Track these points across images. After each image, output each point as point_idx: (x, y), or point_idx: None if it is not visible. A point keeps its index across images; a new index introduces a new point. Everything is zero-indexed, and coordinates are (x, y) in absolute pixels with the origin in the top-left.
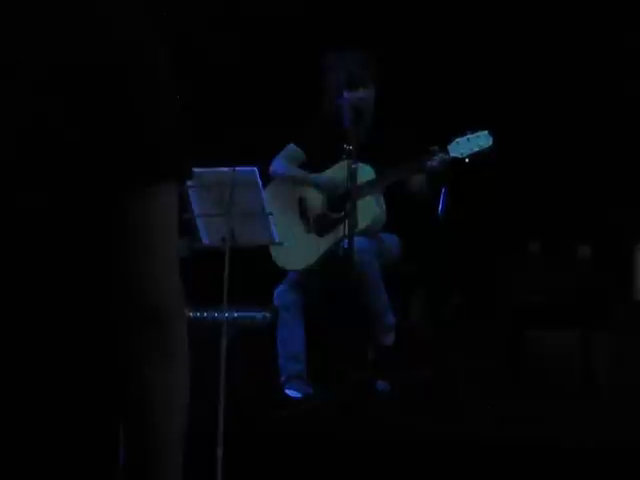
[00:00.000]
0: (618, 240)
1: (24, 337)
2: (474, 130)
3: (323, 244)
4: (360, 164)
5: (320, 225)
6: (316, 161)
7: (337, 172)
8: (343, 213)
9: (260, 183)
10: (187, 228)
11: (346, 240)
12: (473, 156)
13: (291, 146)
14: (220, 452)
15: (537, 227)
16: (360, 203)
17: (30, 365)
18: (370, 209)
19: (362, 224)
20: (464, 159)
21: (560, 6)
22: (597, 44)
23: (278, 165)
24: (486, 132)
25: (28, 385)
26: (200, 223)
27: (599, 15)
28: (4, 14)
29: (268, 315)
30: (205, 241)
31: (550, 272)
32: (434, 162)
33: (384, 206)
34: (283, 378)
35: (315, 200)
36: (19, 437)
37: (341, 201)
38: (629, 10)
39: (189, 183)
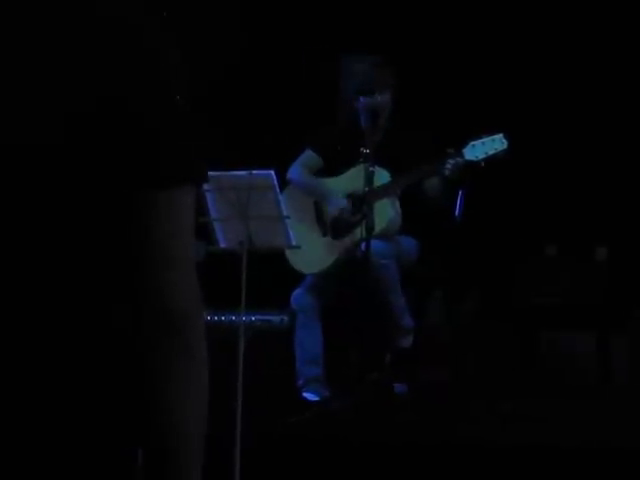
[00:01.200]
0: (634, 242)
1: (41, 341)
2: (490, 133)
3: (339, 247)
4: (377, 168)
5: (336, 228)
6: (333, 165)
7: (353, 179)
8: (359, 216)
9: (277, 186)
10: (204, 232)
11: (364, 243)
12: (488, 159)
13: (308, 152)
14: (237, 455)
15: (554, 229)
16: (375, 206)
17: (47, 368)
18: (385, 212)
19: (378, 227)
20: (479, 162)
21: (576, 10)
22: (613, 48)
23: (295, 173)
24: (501, 135)
25: (46, 388)
26: (217, 227)
27: (615, 18)
28: (14, 16)
29: (286, 318)
30: (222, 244)
31: (567, 274)
32: (448, 165)
33: (399, 209)
34: (301, 381)
35: None
36: (39, 439)
37: (357, 205)
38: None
39: (206, 187)
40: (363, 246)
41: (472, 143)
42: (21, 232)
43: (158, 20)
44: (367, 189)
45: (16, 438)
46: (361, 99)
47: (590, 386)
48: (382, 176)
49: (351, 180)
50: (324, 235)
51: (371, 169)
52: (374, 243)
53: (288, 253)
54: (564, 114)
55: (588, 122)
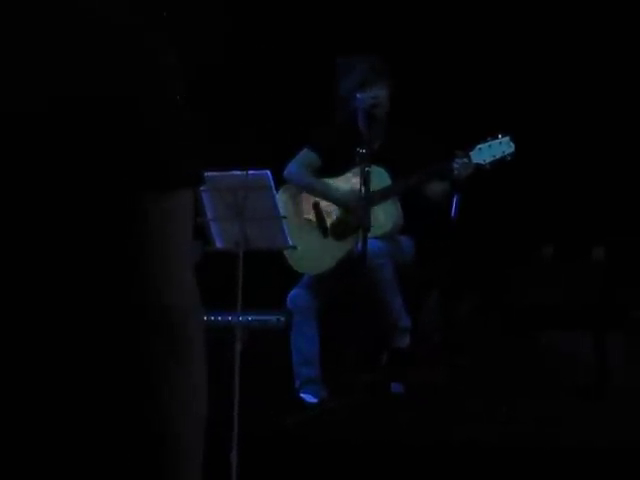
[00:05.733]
0: (632, 241)
1: (33, 338)
2: (495, 136)
3: (343, 248)
4: (374, 167)
5: (339, 230)
6: (331, 166)
7: (352, 177)
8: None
9: (273, 186)
10: (200, 232)
11: (360, 243)
12: (495, 163)
13: (306, 151)
14: (235, 456)
15: (551, 230)
16: (381, 207)
17: (38, 366)
18: (391, 214)
19: (382, 229)
20: (486, 166)
21: (579, 11)
22: (610, 52)
23: (293, 171)
24: (508, 138)
25: (37, 387)
26: (213, 227)
27: (619, 21)
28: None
29: (282, 319)
30: (218, 245)
31: (564, 274)
32: (456, 166)
33: (401, 210)
34: (298, 383)
35: (331, 205)
36: (26, 441)
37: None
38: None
39: (202, 187)
40: (359, 246)
41: (479, 146)
42: (17, 231)
43: (158, 19)
44: (364, 189)
45: (7, 439)
46: (358, 96)
47: (587, 386)
48: (380, 175)
49: (350, 181)
50: (325, 236)
51: (367, 169)
52: (372, 243)
53: (288, 255)
54: (559, 114)
55: (583, 122)
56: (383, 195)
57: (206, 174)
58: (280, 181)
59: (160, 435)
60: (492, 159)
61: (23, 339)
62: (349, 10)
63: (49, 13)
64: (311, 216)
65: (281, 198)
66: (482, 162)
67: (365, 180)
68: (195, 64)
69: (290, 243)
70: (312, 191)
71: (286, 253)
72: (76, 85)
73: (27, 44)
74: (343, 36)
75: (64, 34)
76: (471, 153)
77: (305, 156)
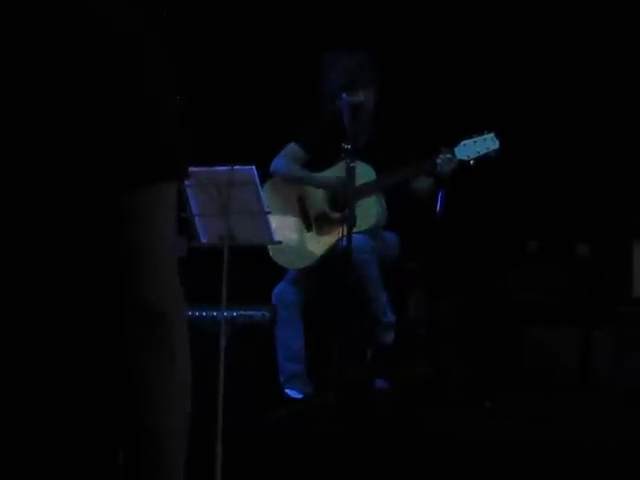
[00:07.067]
0: (616, 237)
1: (23, 337)
2: (480, 132)
3: (326, 243)
4: (359, 163)
5: (323, 225)
6: (317, 160)
7: (337, 172)
8: (346, 212)
9: (258, 182)
10: (185, 227)
11: (344, 239)
12: (479, 159)
13: (292, 145)
14: (219, 452)
15: (535, 225)
16: (364, 202)
17: (29, 365)
18: (372, 210)
19: (365, 225)
20: (469, 162)
21: (567, 8)
22: (594, 49)
23: (280, 164)
24: (492, 134)
25: (28, 385)
26: (198, 222)
27: (605, 18)
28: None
29: (267, 314)
30: (203, 240)
31: (548, 270)
32: (440, 162)
33: (385, 205)
34: (283, 378)
35: (315, 199)
36: (18, 437)
37: (343, 200)
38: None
39: (187, 182)
40: (344, 241)
41: (463, 142)
42: (4, 229)
43: (156, 20)
44: (348, 184)
45: None
46: (344, 96)
47: (573, 382)
48: (365, 171)
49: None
50: (309, 230)
51: (352, 165)
52: (356, 238)
53: (272, 250)
54: (544, 111)
55: (568, 118)
56: (368, 190)
57: (191, 169)
58: (265, 178)
59: (144, 430)
60: (476, 155)
61: (3, 335)
62: (335, 5)
63: (50, 14)
64: (295, 211)
65: (265, 193)
66: (466, 158)
67: (350, 175)
68: (181, 62)
69: (275, 239)
70: (299, 179)
71: (270, 248)
72: (71, 83)
73: (27, 40)
74: (328, 31)
75: (64, 33)
76: (455, 149)
77: (291, 150)
